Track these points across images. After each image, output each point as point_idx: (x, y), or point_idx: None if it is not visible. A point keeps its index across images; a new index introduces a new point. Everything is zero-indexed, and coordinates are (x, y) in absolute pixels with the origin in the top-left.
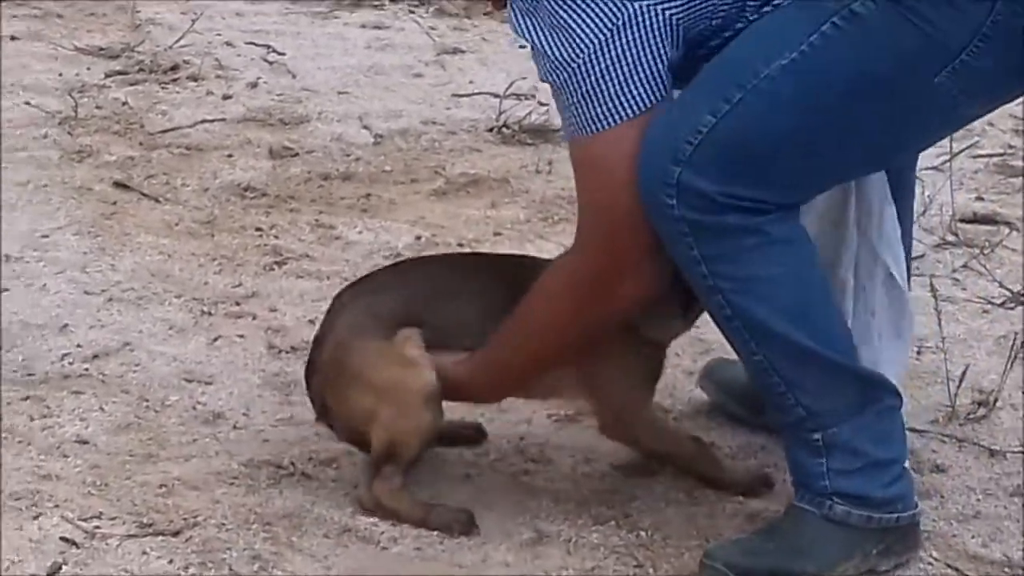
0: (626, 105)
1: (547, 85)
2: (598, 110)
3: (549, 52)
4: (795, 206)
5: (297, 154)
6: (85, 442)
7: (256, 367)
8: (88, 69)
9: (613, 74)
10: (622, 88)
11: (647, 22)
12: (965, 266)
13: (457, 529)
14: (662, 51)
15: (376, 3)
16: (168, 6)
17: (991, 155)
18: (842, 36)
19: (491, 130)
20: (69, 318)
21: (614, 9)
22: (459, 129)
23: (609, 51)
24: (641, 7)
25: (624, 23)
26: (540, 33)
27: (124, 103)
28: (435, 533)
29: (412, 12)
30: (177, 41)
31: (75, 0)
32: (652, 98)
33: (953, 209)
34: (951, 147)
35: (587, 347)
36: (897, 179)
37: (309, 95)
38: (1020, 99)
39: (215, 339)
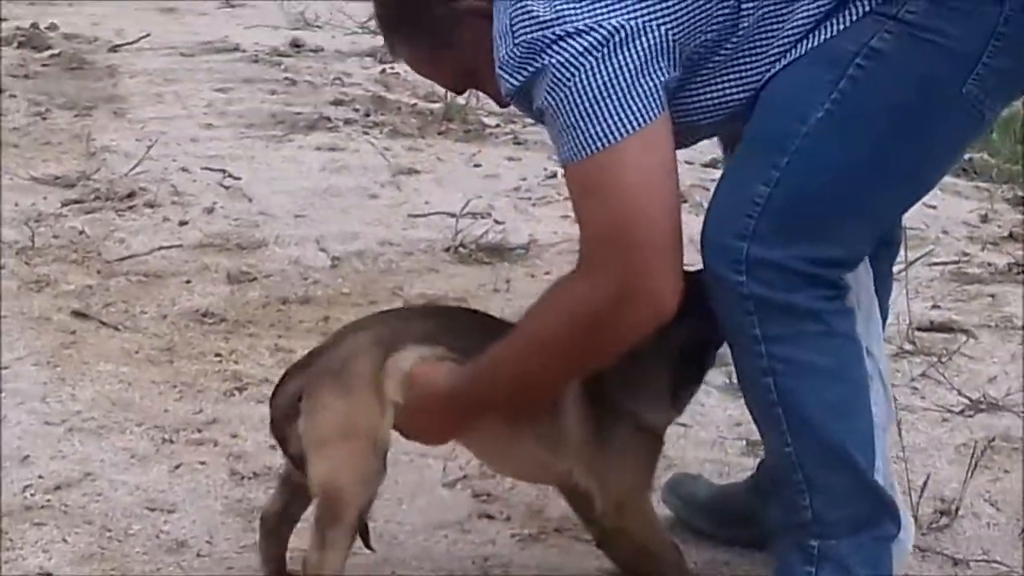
0: (625, 122)
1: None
2: (596, 129)
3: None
4: (859, 260)
5: (255, 279)
6: (49, 574)
7: (219, 494)
8: (44, 198)
9: (610, 91)
10: (620, 105)
11: (643, 38)
12: (923, 375)
13: None
14: (659, 67)
15: (330, 125)
16: (123, 134)
17: (946, 263)
18: (868, 76)
19: (448, 250)
20: (30, 449)
21: (609, 28)
22: (416, 249)
23: (605, 68)
24: (637, 24)
25: (620, 40)
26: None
27: (81, 232)
28: None
29: (366, 133)
30: (133, 168)
31: (30, 129)
32: (651, 114)
33: (910, 318)
34: (906, 256)
35: (579, 375)
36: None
37: (266, 219)
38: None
39: (177, 467)
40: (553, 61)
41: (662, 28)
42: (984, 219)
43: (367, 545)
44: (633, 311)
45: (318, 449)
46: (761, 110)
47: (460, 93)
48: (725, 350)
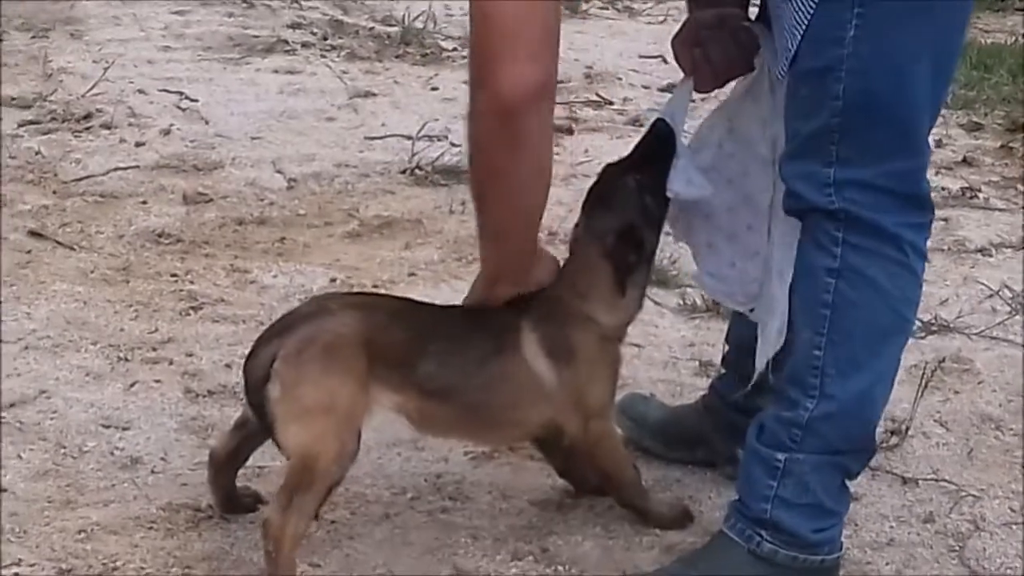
0: None
1: (455, 127)
2: None
3: None
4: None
5: (211, 200)
6: (3, 490)
7: (173, 412)
8: (1, 119)
9: None
10: None
11: None
12: None
13: None
14: None
15: (288, 48)
16: (80, 55)
17: None
18: None
19: (404, 172)
20: None
21: None
22: (372, 172)
23: None
24: None
25: None
26: None
27: (37, 152)
28: (355, 571)
29: (324, 56)
30: (90, 90)
31: None
32: None
33: None
34: None
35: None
36: None
37: (222, 141)
38: None
39: (132, 385)
40: None
41: None
42: (938, 144)
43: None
44: (480, 97)
45: (298, 419)
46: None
47: None
48: (678, 269)
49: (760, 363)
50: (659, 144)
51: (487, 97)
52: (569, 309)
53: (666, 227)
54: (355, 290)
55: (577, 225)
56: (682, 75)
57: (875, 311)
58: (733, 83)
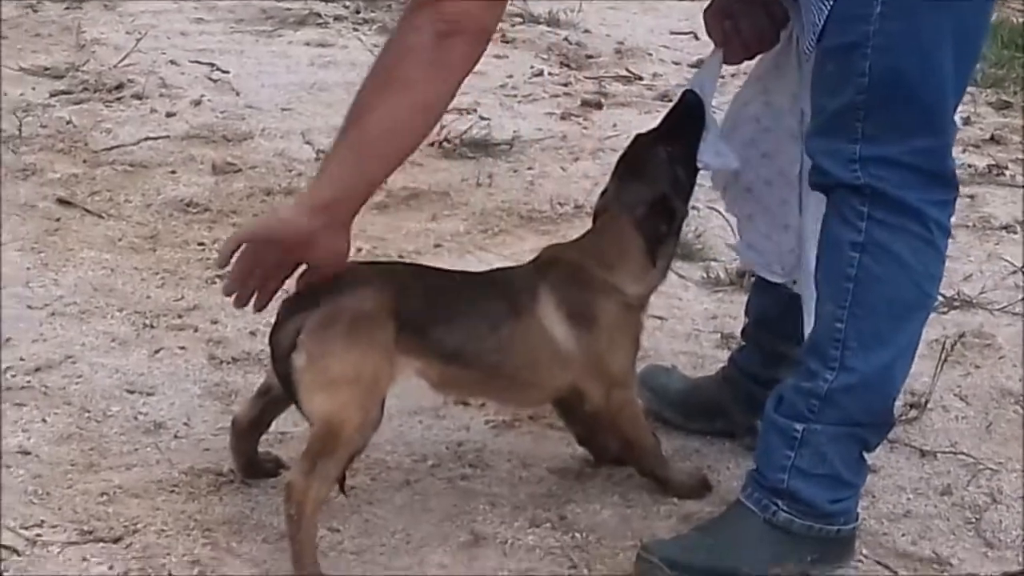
0: None
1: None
2: None
3: None
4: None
5: (240, 170)
6: (27, 453)
7: (197, 378)
8: (33, 89)
9: None
10: None
11: None
12: None
13: None
14: None
15: (320, 22)
16: (113, 26)
17: None
18: None
19: (432, 144)
20: (12, 332)
21: None
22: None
23: None
24: None
25: None
26: None
27: (68, 122)
28: (374, 536)
29: (355, 30)
30: (121, 60)
31: (20, 21)
32: None
33: None
34: None
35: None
36: None
37: (252, 112)
38: None
39: (157, 351)
40: None
41: None
42: (967, 121)
43: (342, 489)
44: (424, 13)
45: (323, 389)
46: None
47: None
48: (703, 243)
49: (807, 332)
50: (689, 115)
51: (433, 13)
52: (593, 276)
53: (693, 200)
54: (380, 259)
55: (603, 194)
56: (711, 49)
57: (898, 286)
58: (759, 57)
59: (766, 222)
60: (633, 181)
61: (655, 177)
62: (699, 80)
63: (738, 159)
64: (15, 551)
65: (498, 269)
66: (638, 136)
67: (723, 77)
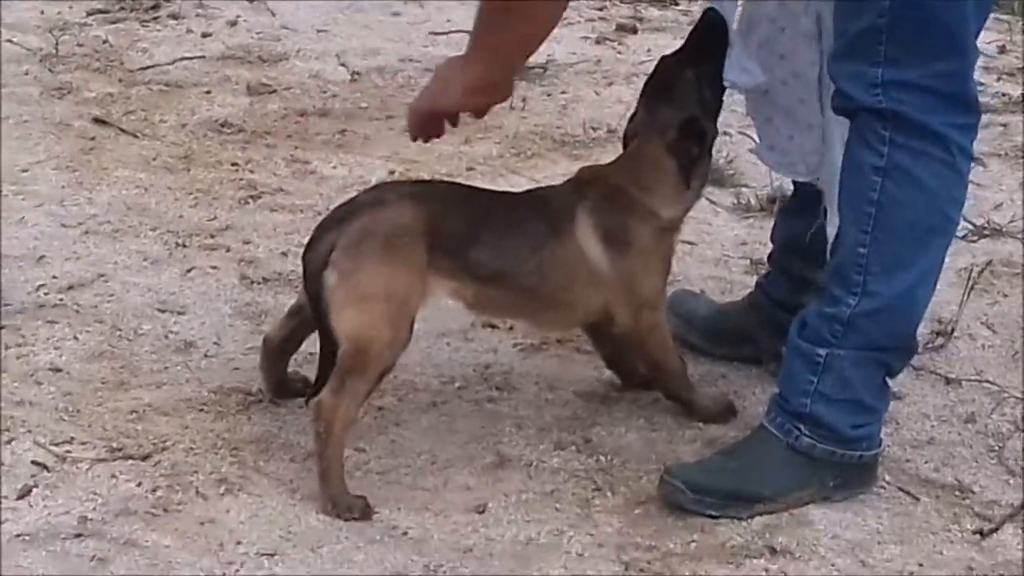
0: None
1: None
2: None
3: None
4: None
5: (275, 91)
6: (58, 370)
7: (228, 297)
8: (70, 7)
9: None
10: None
11: None
12: None
13: (348, 516)
14: None
15: None
16: None
17: None
18: None
19: None
20: (46, 250)
21: None
22: (436, 66)
23: None
24: None
25: None
26: None
27: (105, 41)
28: (400, 457)
29: None
30: None
31: None
32: None
33: None
34: None
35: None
36: None
37: (288, 33)
38: None
39: (189, 270)
40: None
41: None
42: (1002, 50)
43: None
44: None
45: (354, 305)
46: None
47: None
48: (735, 169)
49: (831, 231)
50: (712, 34)
51: None
52: (629, 199)
53: (726, 126)
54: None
55: (632, 118)
56: None
57: (920, 210)
58: None
59: (787, 123)
60: (662, 104)
61: (683, 99)
62: None
63: (763, 73)
64: (45, 467)
65: (536, 189)
66: (663, 58)
67: None
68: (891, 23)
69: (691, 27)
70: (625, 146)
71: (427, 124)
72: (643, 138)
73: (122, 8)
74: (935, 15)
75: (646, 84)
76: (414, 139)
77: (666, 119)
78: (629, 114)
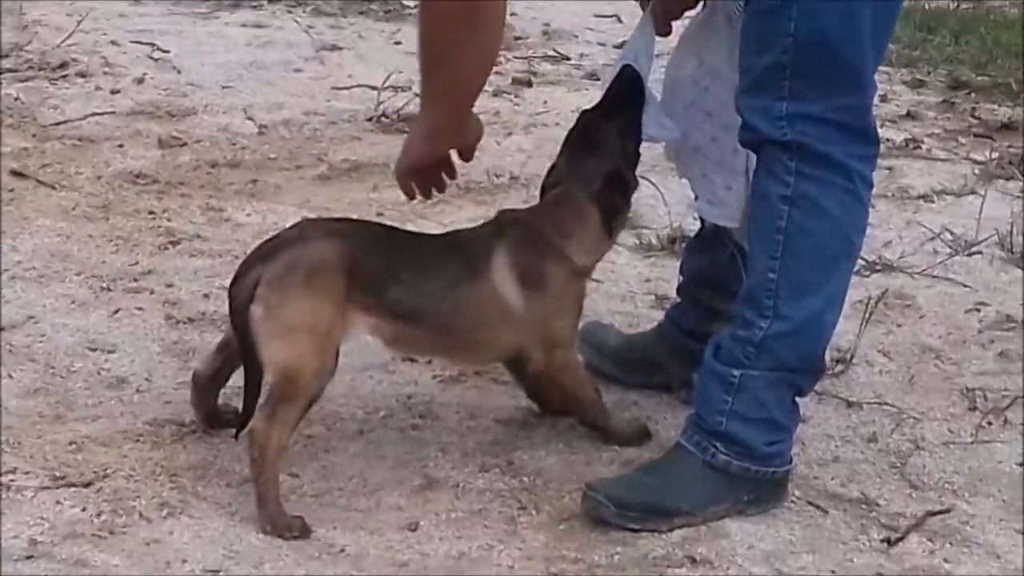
0: None
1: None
2: None
3: None
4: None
5: (185, 143)
6: None
7: (156, 337)
8: None
9: None
10: None
11: None
12: None
13: (288, 535)
14: None
15: (255, 3)
16: (53, 8)
17: None
18: None
19: (370, 119)
20: None
21: None
22: (340, 119)
23: None
24: None
25: None
26: None
27: (16, 98)
28: (332, 480)
29: (290, 12)
30: (64, 40)
31: None
32: None
33: None
34: None
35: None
36: None
37: (194, 89)
38: None
39: (115, 312)
40: None
41: None
42: (883, 99)
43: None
44: None
45: (281, 337)
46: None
47: None
48: (634, 212)
49: None
50: (630, 89)
51: None
52: (548, 243)
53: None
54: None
55: (552, 168)
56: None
57: (825, 237)
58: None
59: (721, 175)
60: (586, 156)
61: (607, 151)
62: (633, 53)
63: (679, 128)
64: None
65: (456, 231)
66: (584, 112)
67: (658, 55)
68: (794, 60)
69: (584, 80)
70: (543, 194)
71: (417, 181)
72: (566, 187)
73: (30, 67)
74: (836, 52)
75: (568, 136)
76: (411, 198)
77: (590, 169)
78: (532, 162)
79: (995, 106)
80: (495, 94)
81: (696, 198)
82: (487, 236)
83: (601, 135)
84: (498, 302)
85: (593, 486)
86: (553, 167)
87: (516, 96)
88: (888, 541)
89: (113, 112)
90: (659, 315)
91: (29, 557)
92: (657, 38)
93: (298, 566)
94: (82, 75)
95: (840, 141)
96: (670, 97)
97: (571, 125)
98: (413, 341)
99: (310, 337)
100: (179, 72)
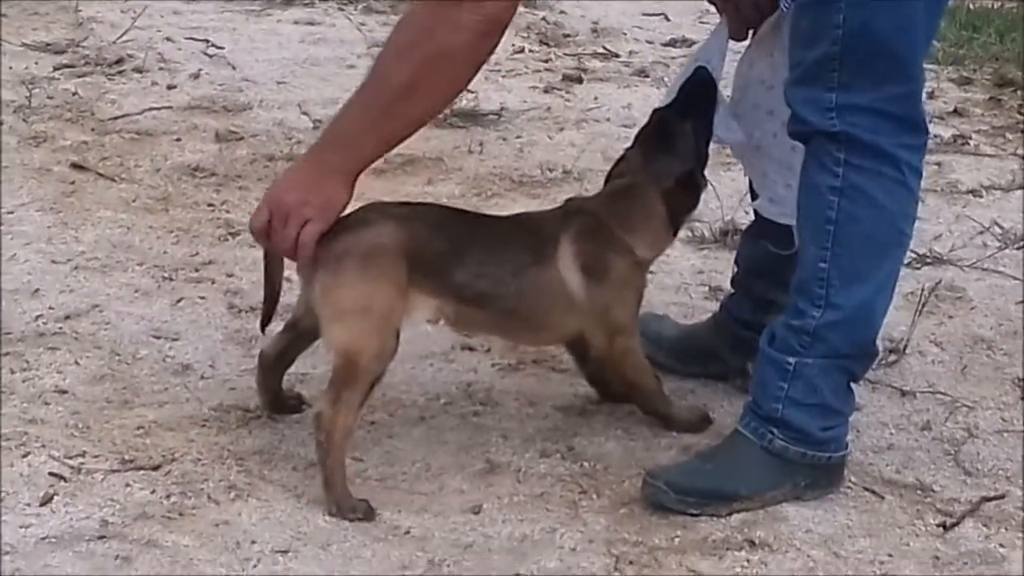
0: None
1: None
2: None
3: None
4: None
5: (242, 138)
6: (64, 391)
7: (218, 325)
8: (36, 63)
9: None
10: None
11: None
12: None
13: (354, 517)
14: None
15: (306, 1)
16: (108, 5)
17: None
18: None
19: None
20: (39, 284)
21: None
22: None
23: None
24: None
25: None
26: None
27: (74, 93)
28: (396, 465)
29: (342, 9)
30: (120, 37)
31: (18, 0)
32: None
33: None
34: None
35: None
36: None
37: (249, 85)
38: None
39: (178, 301)
40: None
41: None
42: (930, 96)
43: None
44: (464, 11)
45: (339, 319)
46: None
47: None
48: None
49: None
50: (703, 91)
51: (473, 11)
52: (612, 235)
53: None
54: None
55: (622, 159)
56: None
57: (875, 226)
58: None
59: (781, 173)
60: (661, 153)
61: (683, 151)
62: (707, 55)
63: (744, 130)
64: (62, 478)
65: (521, 215)
66: (659, 110)
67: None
68: (844, 51)
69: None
70: (606, 184)
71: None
72: (636, 181)
73: (87, 63)
74: (885, 42)
75: (641, 132)
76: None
77: (664, 167)
78: (585, 157)
79: None
80: (546, 90)
81: (757, 197)
82: (554, 223)
83: (677, 134)
84: (561, 288)
85: (653, 473)
86: (622, 158)
87: (567, 92)
88: (944, 526)
89: (170, 107)
90: (712, 306)
91: (101, 537)
92: (731, 42)
93: (364, 547)
94: (138, 71)
95: (889, 131)
96: (739, 97)
97: (643, 122)
98: (477, 322)
99: (367, 320)
100: (234, 68)
